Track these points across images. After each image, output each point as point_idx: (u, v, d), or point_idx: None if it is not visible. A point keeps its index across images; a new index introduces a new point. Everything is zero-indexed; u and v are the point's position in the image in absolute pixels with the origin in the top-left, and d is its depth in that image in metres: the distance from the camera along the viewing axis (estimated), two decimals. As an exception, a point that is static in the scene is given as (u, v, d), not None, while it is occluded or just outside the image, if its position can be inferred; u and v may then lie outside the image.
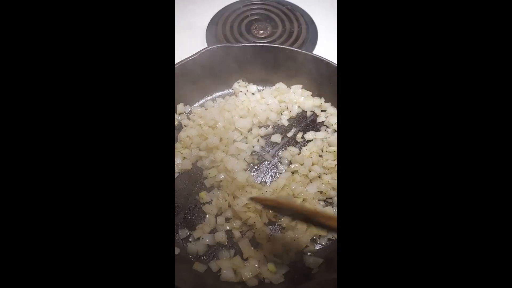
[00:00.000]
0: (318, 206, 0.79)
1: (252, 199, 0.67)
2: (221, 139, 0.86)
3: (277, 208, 0.66)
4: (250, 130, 0.91)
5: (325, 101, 0.95)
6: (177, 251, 0.73)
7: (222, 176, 0.82)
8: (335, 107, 0.95)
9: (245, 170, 0.84)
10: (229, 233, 0.76)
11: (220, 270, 0.71)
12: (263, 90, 1.00)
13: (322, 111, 0.95)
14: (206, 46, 1.12)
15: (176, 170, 0.85)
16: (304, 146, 0.88)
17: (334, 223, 0.51)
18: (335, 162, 0.83)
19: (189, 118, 0.93)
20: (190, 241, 0.75)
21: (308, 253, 0.74)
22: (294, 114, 0.95)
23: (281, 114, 0.95)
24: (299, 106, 0.96)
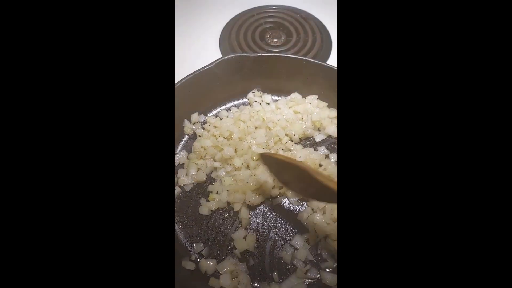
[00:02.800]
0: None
1: (263, 154, 0.70)
2: (236, 150, 0.85)
3: (284, 164, 0.65)
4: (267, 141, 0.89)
5: (341, 112, 0.93)
6: (192, 266, 0.71)
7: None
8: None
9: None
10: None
11: (236, 286, 0.69)
12: (278, 100, 0.98)
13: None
14: (219, 54, 1.12)
15: (190, 181, 0.84)
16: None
17: (335, 186, 0.54)
18: None
19: (203, 128, 0.92)
20: (204, 257, 0.73)
21: (326, 269, 0.72)
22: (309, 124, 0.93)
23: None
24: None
